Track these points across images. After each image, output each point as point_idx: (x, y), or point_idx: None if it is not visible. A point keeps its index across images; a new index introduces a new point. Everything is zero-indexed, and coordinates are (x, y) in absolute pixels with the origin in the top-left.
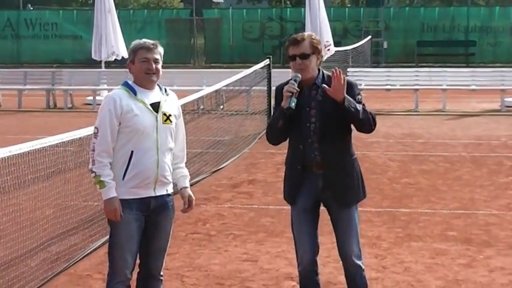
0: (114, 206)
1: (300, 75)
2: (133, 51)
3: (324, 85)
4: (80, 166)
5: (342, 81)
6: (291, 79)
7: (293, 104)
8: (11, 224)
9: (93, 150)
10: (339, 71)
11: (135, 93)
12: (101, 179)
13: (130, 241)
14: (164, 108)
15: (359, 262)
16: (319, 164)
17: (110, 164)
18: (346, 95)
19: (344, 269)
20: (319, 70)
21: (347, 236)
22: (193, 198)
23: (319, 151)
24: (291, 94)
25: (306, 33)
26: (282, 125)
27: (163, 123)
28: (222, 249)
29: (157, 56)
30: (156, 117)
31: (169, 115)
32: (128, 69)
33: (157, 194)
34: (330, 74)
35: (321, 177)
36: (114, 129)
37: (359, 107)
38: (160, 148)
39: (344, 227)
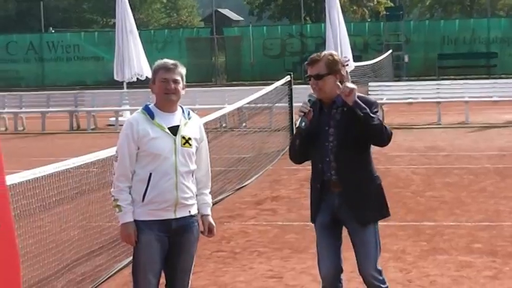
0: (129, 231)
1: (314, 96)
2: (154, 72)
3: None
4: (103, 187)
5: (348, 92)
6: (306, 99)
7: (303, 125)
8: (37, 246)
9: (114, 174)
10: (346, 87)
11: (152, 117)
12: (118, 203)
13: (152, 262)
14: (184, 131)
15: (377, 282)
16: (335, 183)
17: (129, 188)
18: (358, 101)
19: (366, 286)
20: None
21: (362, 256)
22: (214, 225)
23: (336, 170)
24: (302, 114)
25: (324, 53)
26: (299, 144)
27: (182, 146)
28: (246, 267)
29: (177, 77)
30: (175, 140)
31: (189, 138)
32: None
33: (178, 216)
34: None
35: (337, 196)
36: (132, 154)
37: (372, 116)
38: (179, 171)
39: (360, 247)
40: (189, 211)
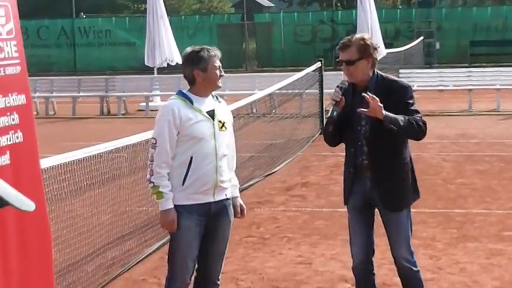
0: (172, 218)
1: (346, 83)
2: (205, 59)
3: (361, 109)
4: (133, 172)
5: (376, 103)
6: (337, 86)
7: (335, 114)
8: (68, 230)
9: (152, 161)
10: (371, 96)
11: (191, 102)
12: (160, 189)
13: (191, 247)
14: (219, 115)
15: (409, 265)
16: (366, 167)
17: (168, 174)
18: (386, 114)
19: (397, 270)
20: (374, 72)
21: (395, 240)
22: (245, 207)
23: (367, 155)
24: (334, 102)
25: (355, 37)
26: (332, 130)
27: (219, 129)
28: (276, 252)
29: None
30: (213, 124)
31: (224, 122)
32: (182, 76)
33: (217, 199)
34: (388, 76)
35: (368, 179)
36: (173, 140)
37: (402, 121)
38: (219, 154)
39: (392, 230)
40: (225, 194)
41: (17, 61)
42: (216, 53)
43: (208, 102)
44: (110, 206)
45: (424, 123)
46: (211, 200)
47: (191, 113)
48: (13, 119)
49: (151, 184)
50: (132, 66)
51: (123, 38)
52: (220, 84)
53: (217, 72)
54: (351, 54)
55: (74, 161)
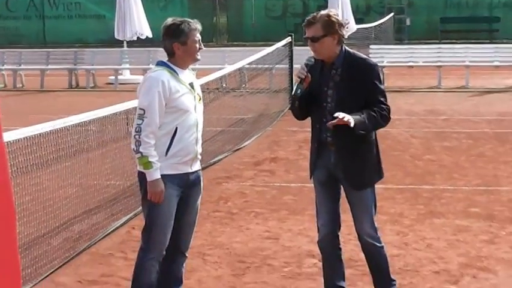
0: (161, 188)
1: (312, 60)
2: (186, 33)
3: (330, 123)
4: (102, 145)
5: (343, 122)
6: (304, 63)
7: (299, 92)
8: (34, 203)
9: (139, 132)
10: (336, 120)
11: (177, 73)
12: (149, 159)
13: (171, 217)
14: (196, 88)
15: (372, 240)
16: (330, 143)
17: (154, 145)
18: (354, 122)
19: (361, 246)
20: (342, 49)
21: (358, 216)
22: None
23: (331, 132)
24: (299, 80)
25: (321, 13)
26: (298, 106)
27: (198, 102)
28: (243, 227)
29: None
30: (194, 97)
31: (200, 95)
32: (152, 50)
33: (193, 169)
34: (355, 54)
35: (333, 153)
36: (162, 111)
37: (369, 120)
38: (199, 126)
39: (355, 207)
40: (199, 165)
41: None
42: (197, 26)
43: (187, 75)
44: (77, 179)
45: (389, 110)
46: (189, 170)
47: (178, 85)
48: None
49: (139, 154)
50: (102, 39)
51: (93, 11)
52: (199, 58)
53: (197, 45)
54: (316, 31)
55: (40, 133)
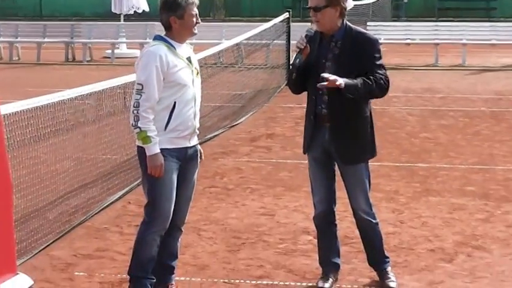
0: (160, 161)
1: (312, 30)
2: (183, 7)
3: (321, 84)
4: (99, 119)
5: (332, 84)
6: (304, 33)
7: (297, 61)
8: (31, 176)
9: (137, 107)
10: (326, 77)
11: (175, 48)
12: (148, 134)
13: (172, 190)
14: (194, 63)
15: (367, 216)
16: (325, 116)
17: (153, 120)
18: (346, 83)
19: (355, 222)
20: (343, 22)
21: (353, 192)
22: (202, 152)
23: (326, 104)
24: (298, 50)
25: None
26: (296, 77)
27: (196, 76)
28: (239, 203)
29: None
30: (192, 71)
31: (197, 69)
32: (149, 23)
33: (192, 144)
34: (356, 28)
35: (327, 130)
36: (160, 85)
37: (362, 84)
38: (197, 101)
39: (350, 182)
40: (196, 139)
41: None
42: (194, 0)
43: (185, 49)
44: (74, 153)
45: (387, 80)
46: (188, 144)
47: (176, 60)
48: None
49: (138, 129)
50: (99, 13)
51: None
52: (196, 32)
53: (194, 19)
54: (319, 1)
55: (37, 107)
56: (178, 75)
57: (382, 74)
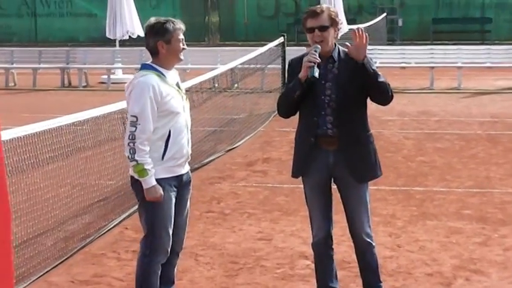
0: (160, 193)
1: (319, 46)
2: (170, 32)
3: (347, 43)
4: (96, 145)
5: (364, 40)
6: (311, 50)
7: (317, 74)
8: (29, 203)
9: (133, 139)
10: (361, 29)
11: (164, 76)
12: (145, 167)
13: (171, 219)
14: (182, 88)
15: (369, 239)
16: (331, 137)
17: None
18: (368, 57)
19: (354, 246)
20: (335, 44)
21: (357, 213)
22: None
23: (332, 124)
24: (313, 64)
25: (324, 6)
26: (298, 95)
27: (186, 101)
28: (236, 228)
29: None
30: (182, 97)
31: (185, 94)
32: (144, 48)
33: (185, 171)
34: (346, 50)
35: (331, 153)
36: (154, 116)
37: (378, 71)
38: (188, 126)
39: (354, 204)
40: (188, 165)
41: None
42: (181, 26)
43: (172, 75)
44: (71, 179)
45: (389, 85)
46: (183, 171)
47: (167, 88)
48: None
49: (134, 162)
50: (94, 38)
51: (85, 9)
52: (182, 58)
53: (181, 45)
54: (324, 21)
55: (34, 133)
56: (171, 104)
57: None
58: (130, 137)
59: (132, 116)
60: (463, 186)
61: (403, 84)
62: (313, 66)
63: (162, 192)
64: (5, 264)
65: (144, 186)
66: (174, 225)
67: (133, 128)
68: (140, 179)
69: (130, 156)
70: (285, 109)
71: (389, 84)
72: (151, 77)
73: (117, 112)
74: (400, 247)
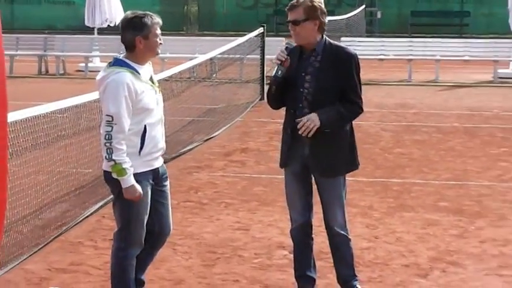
0: (139, 192)
1: (292, 43)
2: (148, 27)
3: (298, 120)
4: (74, 134)
5: (309, 131)
6: (284, 46)
7: (279, 73)
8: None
9: (110, 139)
10: (303, 123)
11: (138, 73)
12: (123, 166)
13: (147, 212)
14: (155, 81)
15: (342, 232)
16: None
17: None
18: (320, 121)
19: (328, 237)
20: (323, 37)
21: (330, 206)
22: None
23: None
24: (279, 62)
25: None
26: (275, 91)
27: (159, 94)
28: (214, 218)
29: None
30: (155, 91)
31: (158, 87)
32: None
33: (161, 163)
34: (335, 43)
35: (307, 144)
36: (130, 114)
37: (336, 118)
38: (162, 119)
39: (327, 196)
40: (163, 159)
41: None
42: (159, 20)
43: (146, 69)
44: (47, 166)
45: (360, 106)
46: (158, 165)
47: (142, 85)
48: None
49: (112, 162)
50: (72, 26)
51: None
52: (159, 52)
53: (158, 40)
54: (298, 15)
55: (11, 122)
56: (145, 101)
57: (356, 100)
58: (106, 137)
59: (107, 115)
60: (440, 179)
61: (382, 76)
62: (279, 65)
63: (141, 191)
64: None
65: (123, 186)
66: (161, 214)
67: (109, 128)
68: (119, 178)
69: (108, 157)
70: (270, 101)
71: (356, 111)
72: (125, 75)
73: (96, 101)
74: (377, 238)
